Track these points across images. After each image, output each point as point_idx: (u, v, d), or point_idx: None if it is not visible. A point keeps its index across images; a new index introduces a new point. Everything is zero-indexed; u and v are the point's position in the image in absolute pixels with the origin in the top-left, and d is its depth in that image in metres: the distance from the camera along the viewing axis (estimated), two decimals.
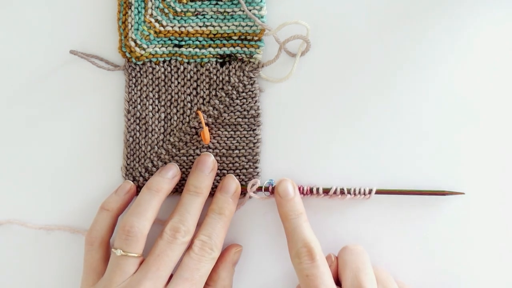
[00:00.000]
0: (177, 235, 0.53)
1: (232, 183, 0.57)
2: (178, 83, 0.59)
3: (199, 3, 0.58)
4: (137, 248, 0.53)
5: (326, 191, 0.57)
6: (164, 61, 0.59)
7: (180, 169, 0.58)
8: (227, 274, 0.56)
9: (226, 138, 0.59)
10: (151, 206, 0.54)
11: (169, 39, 0.59)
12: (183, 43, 0.59)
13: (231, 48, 0.59)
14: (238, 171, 0.58)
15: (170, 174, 0.57)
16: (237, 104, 0.58)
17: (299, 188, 0.57)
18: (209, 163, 0.57)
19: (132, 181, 0.58)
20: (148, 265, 0.52)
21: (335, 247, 0.57)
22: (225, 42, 0.59)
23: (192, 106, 0.59)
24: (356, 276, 0.52)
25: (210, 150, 0.58)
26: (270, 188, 0.58)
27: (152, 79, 0.59)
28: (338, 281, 0.54)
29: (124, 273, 0.53)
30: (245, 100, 0.58)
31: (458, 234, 0.58)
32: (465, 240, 0.58)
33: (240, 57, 0.59)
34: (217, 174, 0.58)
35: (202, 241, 0.54)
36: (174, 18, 0.58)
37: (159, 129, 0.59)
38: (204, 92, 0.59)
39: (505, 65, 0.58)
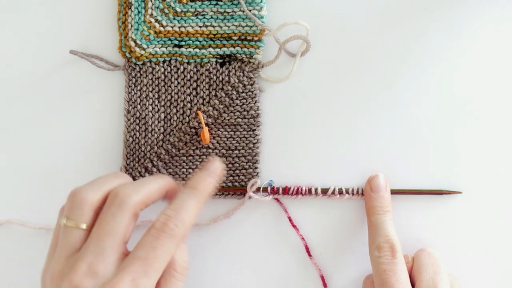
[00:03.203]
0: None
1: (215, 163, 0.52)
2: (178, 83, 0.59)
3: (199, 3, 0.58)
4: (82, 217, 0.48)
5: (325, 191, 0.58)
6: (164, 61, 0.59)
7: (180, 169, 0.58)
8: (180, 252, 0.50)
9: (226, 138, 0.59)
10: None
11: (169, 39, 0.58)
12: (183, 43, 0.59)
13: (231, 48, 0.59)
14: (237, 171, 0.58)
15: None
16: (237, 105, 0.58)
17: (297, 189, 0.58)
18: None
19: None
20: (91, 236, 0.47)
21: (330, 245, 0.58)
22: (225, 42, 0.59)
23: (192, 106, 0.59)
24: (433, 279, 0.52)
25: (210, 150, 0.59)
26: (269, 189, 0.58)
27: (152, 79, 0.59)
28: (411, 282, 0.53)
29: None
30: (245, 101, 0.59)
31: (456, 232, 0.58)
32: (462, 239, 0.58)
33: (240, 57, 0.59)
34: None
35: (167, 215, 0.47)
36: (174, 18, 0.58)
37: (159, 129, 0.59)
38: (204, 92, 0.59)
39: (503, 65, 0.58)
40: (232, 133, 0.59)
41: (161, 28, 0.58)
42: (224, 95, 0.58)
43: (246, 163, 0.59)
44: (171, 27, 0.58)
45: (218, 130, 0.59)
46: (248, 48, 0.58)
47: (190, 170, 0.59)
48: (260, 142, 0.59)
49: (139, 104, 0.59)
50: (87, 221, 0.48)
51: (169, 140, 0.59)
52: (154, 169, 0.58)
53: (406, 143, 0.58)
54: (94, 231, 0.47)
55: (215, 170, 0.52)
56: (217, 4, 0.58)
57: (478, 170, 0.58)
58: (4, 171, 0.59)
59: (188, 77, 0.59)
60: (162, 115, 0.59)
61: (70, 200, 0.49)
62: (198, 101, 0.59)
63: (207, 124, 0.58)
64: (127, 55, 0.58)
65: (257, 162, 0.59)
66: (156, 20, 0.58)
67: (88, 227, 0.48)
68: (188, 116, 0.59)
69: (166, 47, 0.59)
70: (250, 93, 0.58)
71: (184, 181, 0.59)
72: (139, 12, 0.58)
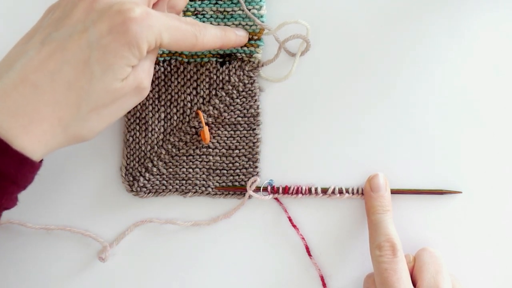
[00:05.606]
0: None
1: (243, 32, 0.58)
2: (178, 83, 0.59)
3: (199, 2, 0.58)
4: None
5: (325, 191, 0.58)
6: (164, 61, 0.59)
7: (180, 169, 0.58)
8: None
9: (226, 138, 0.59)
10: None
11: None
12: None
13: (231, 48, 0.58)
14: (238, 170, 0.58)
15: None
16: (237, 104, 0.58)
17: (297, 188, 0.58)
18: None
19: (132, 180, 0.58)
20: None
21: (330, 245, 0.58)
22: None
23: (192, 105, 0.59)
24: (434, 278, 0.52)
25: (210, 149, 0.58)
26: (269, 188, 0.58)
27: (152, 79, 0.59)
28: (412, 281, 0.53)
29: None
30: (245, 100, 0.59)
31: (456, 232, 0.58)
32: (462, 239, 0.58)
33: (240, 57, 0.59)
34: (217, 175, 0.58)
35: None
36: None
37: (159, 129, 0.59)
38: (204, 92, 0.59)
39: (504, 65, 0.59)
40: (232, 132, 0.59)
41: None
42: (224, 94, 0.58)
43: (246, 162, 0.58)
44: None
45: (218, 129, 0.59)
46: (248, 48, 0.58)
47: (190, 170, 0.59)
48: (260, 141, 0.59)
49: (139, 103, 0.58)
50: None
51: (169, 139, 0.59)
52: (154, 169, 0.58)
53: (406, 143, 0.58)
54: None
55: (242, 34, 0.57)
56: (216, 3, 0.58)
57: (478, 170, 0.58)
58: None
59: (188, 76, 0.59)
60: (162, 115, 0.59)
61: None
62: (198, 100, 0.59)
63: (207, 124, 0.58)
64: None
65: (257, 161, 0.58)
66: None
67: None
68: (188, 116, 0.59)
69: None
70: (250, 92, 0.58)
71: (184, 181, 0.59)
72: None
